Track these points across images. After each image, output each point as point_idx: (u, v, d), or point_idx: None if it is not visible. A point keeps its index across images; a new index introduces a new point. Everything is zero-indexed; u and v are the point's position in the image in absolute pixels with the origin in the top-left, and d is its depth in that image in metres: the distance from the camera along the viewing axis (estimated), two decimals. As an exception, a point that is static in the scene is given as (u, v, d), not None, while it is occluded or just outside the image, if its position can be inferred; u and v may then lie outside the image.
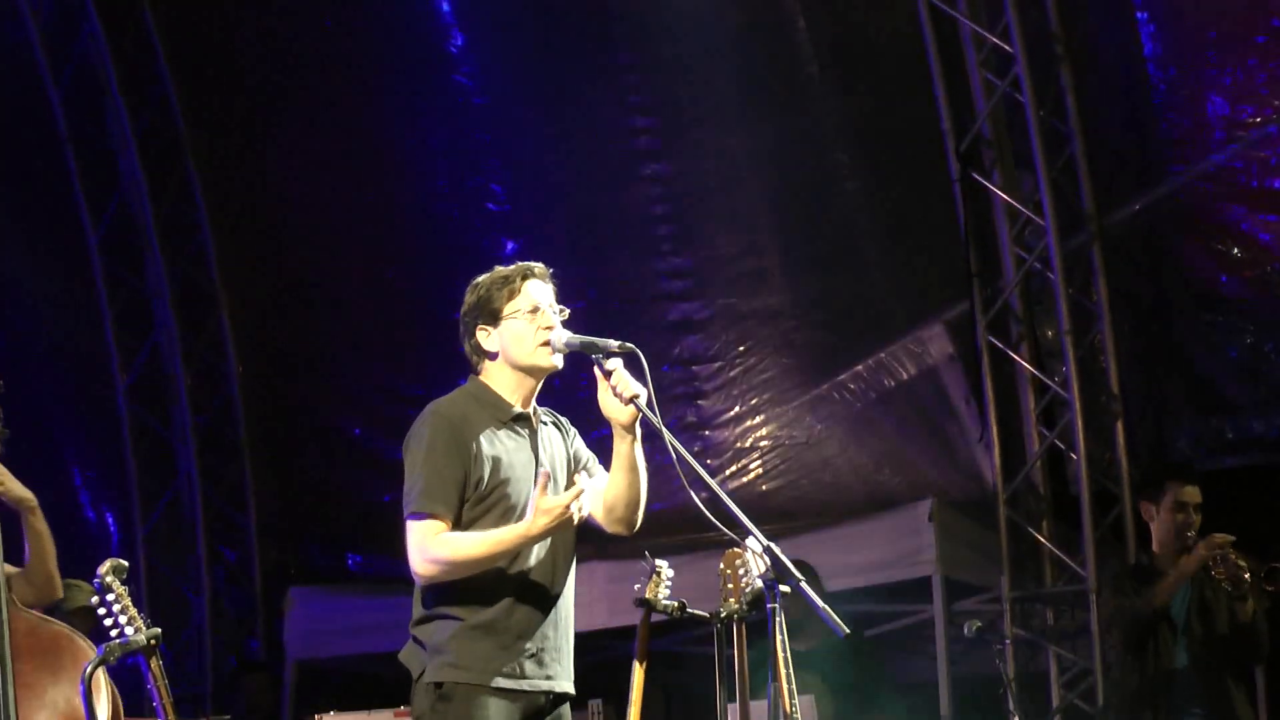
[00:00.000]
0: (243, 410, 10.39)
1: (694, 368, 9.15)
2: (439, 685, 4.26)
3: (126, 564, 4.63)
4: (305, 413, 10.40)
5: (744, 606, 5.17)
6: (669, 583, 5.49)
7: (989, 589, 8.39)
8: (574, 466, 4.53)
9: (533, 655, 4.32)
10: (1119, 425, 8.19)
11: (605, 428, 4.35)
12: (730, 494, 4.61)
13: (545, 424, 4.52)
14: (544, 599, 4.35)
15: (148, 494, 10.40)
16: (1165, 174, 8.30)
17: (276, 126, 10.06)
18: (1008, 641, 7.90)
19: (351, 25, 9.76)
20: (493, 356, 4.46)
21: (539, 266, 4.51)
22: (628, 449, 4.33)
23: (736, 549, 5.09)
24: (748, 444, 9.06)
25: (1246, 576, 6.26)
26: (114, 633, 4.51)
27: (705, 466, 8.56)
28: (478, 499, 4.32)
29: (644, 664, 5.45)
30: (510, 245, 9.41)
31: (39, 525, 4.84)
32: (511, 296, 4.43)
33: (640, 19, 9.04)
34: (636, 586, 5.49)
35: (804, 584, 3.87)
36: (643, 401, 4.21)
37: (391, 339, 9.91)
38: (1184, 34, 8.20)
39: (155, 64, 10.14)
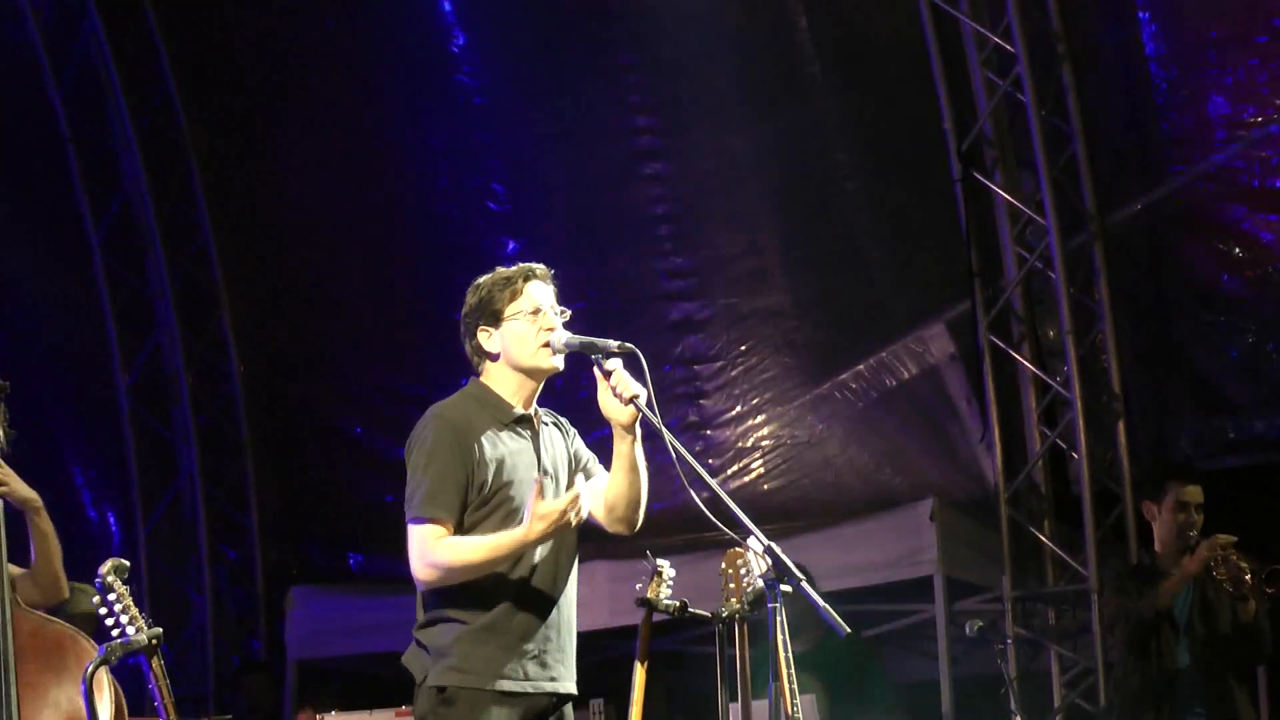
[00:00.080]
0: (244, 410, 10.40)
1: (695, 367, 9.15)
2: (442, 689, 4.26)
3: (128, 564, 4.63)
4: (306, 412, 10.40)
5: (745, 606, 5.17)
6: (670, 582, 5.49)
7: (990, 589, 8.39)
8: (575, 466, 4.53)
9: (536, 657, 4.32)
10: (1120, 425, 8.19)
11: (606, 428, 4.35)
12: (732, 493, 4.62)
13: (546, 425, 4.52)
14: (547, 600, 4.35)
15: (149, 494, 10.40)
16: (1167, 173, 8.30)
17: (278, 126, 10.06)
18: (1009, 641, 7.90)
19: (352, 25, 9.76)
20: (494, 357, 4.46)
21: (540, 267, 4.51)
22: (628, 449, 4.33)
23: (738, 548, 5.09)
24: (749, 443, 9.06)
25: (1248, 578, 6.26)
26: (115, 632, 4.51)
27: (707, 466, 8.60)
28: (481, 502, 4.32)
29: (645, 664, 5.45)
30: (511, 245, 9.42)
31: (44, 526, 4.84)
32: (513, 298, 4.43)
33: (641, 19, 9.04)
34: (638, 586, 5.49)
35: (805, 583, 3.88)
36: (642, 401, 4.21)
37: (392, 339, 9.92)
38: (1185, 34, 8.20)
39: (157, 64, 10.14)
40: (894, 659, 9.03)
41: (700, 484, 4.08)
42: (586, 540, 4.48)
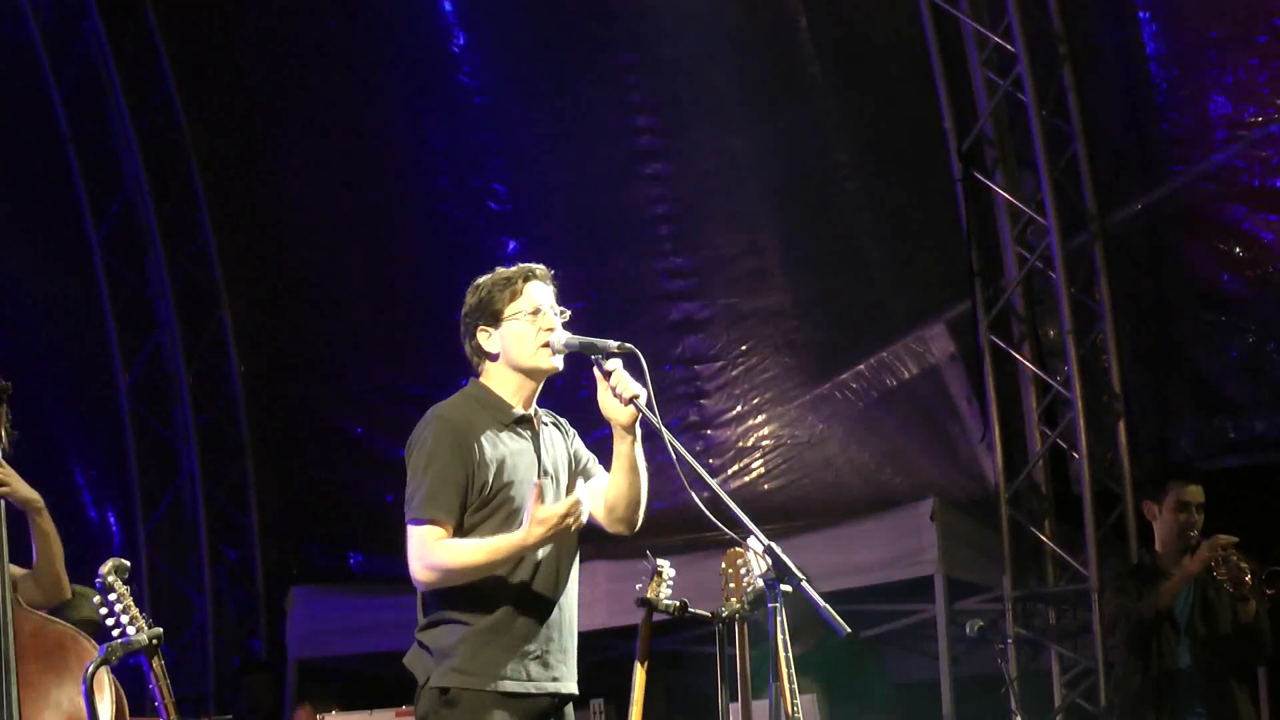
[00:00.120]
0: (244, 410, 10.40)
1: (696, 367, 9.16)
2: (445, 690, 4.26)
3: (128, 564, 4.64)
4: (307, 412, 10.40)
5: (745, 606, 5.17)
6: (670, 582, 5.49)
7: (991, 588, 8.39)
8: (574, 467, 4.53)
9: (538, 657, 4.32)
10: (1121, 425, 8.19)
11: (606, 428, 4.35)
12: (732, 493, 4.62)
13: (546, 425, 4.51)
14: (548, 601, 4.35)
15: (149, 494, 10.40)
16: (1167, 173, 8.31)
17: (278, 126, 10.07)
18: (1010, 641, 7.90)
19: (353, 25, 9.76)
20: (494, 358, 4.45)
21: (540, 268, 4.51)
22: (628, 449, 4.33)
23: (738, 548, 5.09)
24: (750, 443, 9.06)
25: (1248, 579, 6.26)
26: (116, 632, 4.52)
27: (707, 466, 8.60)
28: (482, 503, 4.32)
29: (645, 664, 5.45)
30: (512, 245, 9.42)
31: (46, 526, 4.84)
32: (513, 298, 4.43)
33: (641, 19, 9.04)
34: (638, 586, 5.50)
35: (805, 583, 3.88)
36: (642, 402, 4.21)
37: (393, 339, 9.92)
38: (1186, 34, 8.21)
39: (157, 64, 10.14)
40: (894, 659, 9.03)
41: (700, 484, 4.08)
42: (586, 540, 4.48)
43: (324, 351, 10.23)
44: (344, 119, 9.85)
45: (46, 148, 10.21)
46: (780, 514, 8.65)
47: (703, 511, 4.07)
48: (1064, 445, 8.24)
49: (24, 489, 4.77)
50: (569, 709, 4.44)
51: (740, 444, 9.07)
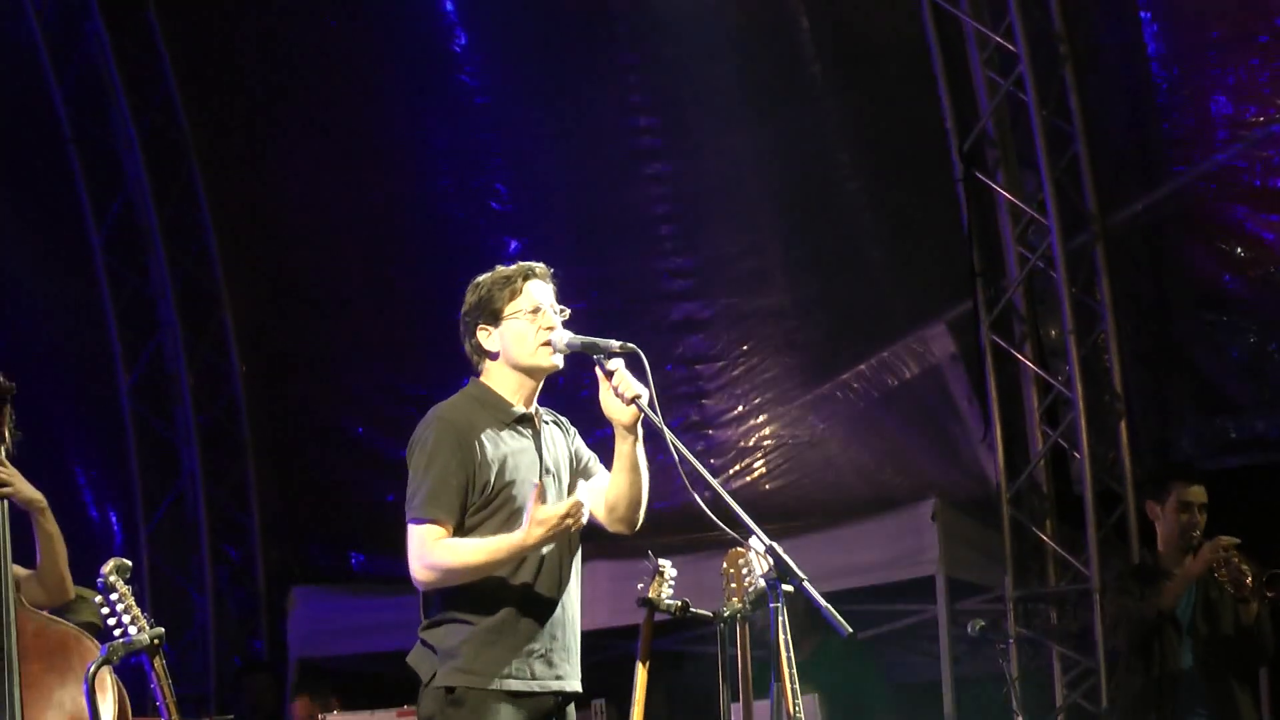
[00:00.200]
0: (246, 410, 10.39)
1: (697, 367, 9.15)
2: (450, 690, 4.27)
3: (130, 563, 4.64)
4: (308, 412, 10.40)
5: (747, 606, 5.17)
6: (672, 582, 5.49)
7: (992, 589, 8.39)
8: (575, 465, 4.53)
9: (542, 656, 4.33)
10: (1122, 425, 8.19)
11: (607, 428, 4.35)
12: (733, 493, 4.62)
13: (547, 423, 4.52)
14: (552, 600, 4.36)
15: (151, 494, 10.40)
16: (1168, 173, 8.30)
17: (279, 126, 10.06)
18: (1011, 641, 7.89)
19: (354, 25, 9.76)
20: (494, 356, 4.46)
21: (540, 266, 4.51)
22: (629, 449, 4.33)
23: (739, 548, 5.09)
24: (751, 443, 9.06)
25: (1248, 581, 6.26)
26: (117, 632, 4.52)
27: (709, 466, 8.59)
28: (484, 502, 4.32)
29: (647, 664, 5.45)
30: (513, 245, 9.42)
31: (49, 527, 4.83)
32: (513, 296, 4.43)
33: (641, 19, 9.04)
34: (639, 586, 5.49)
35: (806, 583, 3.88)
36: (644, 401, 4.21)
37: (394, 339, 9.91)
38: (1187, 33, 8.20)
39: (159, 64, 10.14)
40: (895, 659, 9.03)
41: (702, 483, 4.08)
42: (587, 540, 4.49)
43: (325, 351, 10.22)
44: (344, 119, 9.84)
45: (48, 148, 10.20)
46: (781, 514, 8.64)
47: (704, 511, 4.07)
48: (1065, 445, 8.24)
49: (27, 489, 4.77)
50: (571, 708, 4.44)
51: (741, 444, 9.07)
